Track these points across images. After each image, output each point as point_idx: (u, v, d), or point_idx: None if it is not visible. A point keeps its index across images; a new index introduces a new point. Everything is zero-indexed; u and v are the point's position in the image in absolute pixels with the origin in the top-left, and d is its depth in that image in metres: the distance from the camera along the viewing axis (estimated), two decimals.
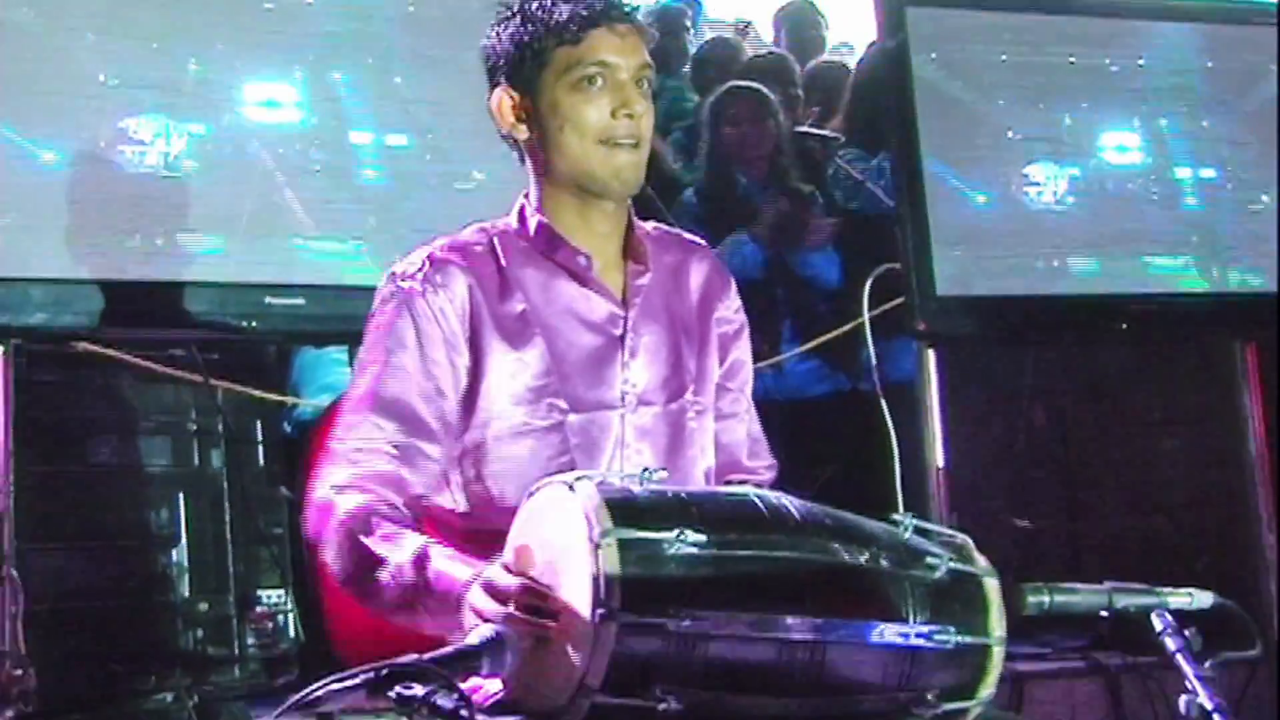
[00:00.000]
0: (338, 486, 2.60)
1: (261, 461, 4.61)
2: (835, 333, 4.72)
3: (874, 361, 4.27)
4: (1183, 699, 2.44)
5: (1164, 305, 4.40)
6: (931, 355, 4.18)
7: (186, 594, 4.42)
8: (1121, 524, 4.69)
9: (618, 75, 2.63)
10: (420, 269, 2.69)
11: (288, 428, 4.64)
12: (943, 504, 4.16)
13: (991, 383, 4.64)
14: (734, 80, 5.86)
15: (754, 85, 5.76)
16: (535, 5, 2.67)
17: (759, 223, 5.47)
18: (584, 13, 2.63)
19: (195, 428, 4.47)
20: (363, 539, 2.52)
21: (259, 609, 4.49)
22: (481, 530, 2.63)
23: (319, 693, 2.05)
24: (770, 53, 6.65)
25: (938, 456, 4.15)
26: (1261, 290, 4.56)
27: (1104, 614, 2.51)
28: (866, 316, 4.24)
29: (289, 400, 4.51)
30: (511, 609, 2.25)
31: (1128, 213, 4.56)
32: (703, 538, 2.23)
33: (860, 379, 4.75)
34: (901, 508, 3.90)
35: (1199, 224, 4.62)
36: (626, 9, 2.65)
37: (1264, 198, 4.62)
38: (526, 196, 2.76)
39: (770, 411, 5.01)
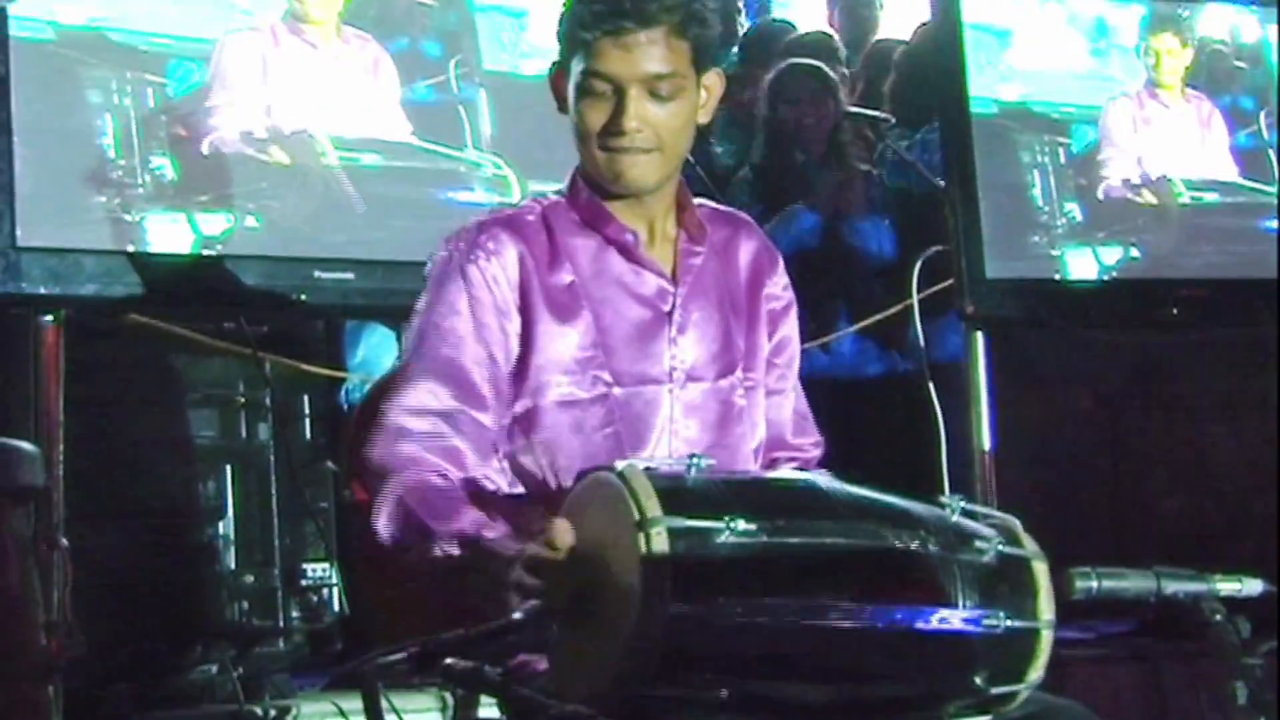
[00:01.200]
0: (393, 453, 2.62)
1: (308, 435, 4.63)
2: (883, 314, 4.72)
3: (921, 344, 4.26)
4: (1238, 686, 2.43)
5: (1214, 290, 4.38)
6: (979, 338, 4.16)
7: (232, 566, 4.44)
8: (1168, 509, 4.67)
9: (622, 85, 2.62)
10: (473, 237, 2.71)
11: (345, 404, 4.66)
12: (989, 487, 4.15)
13: (1040, 365, 4.63)
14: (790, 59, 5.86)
15: (814, 63, 5.76)
16: (567, 7, 2.68)
17: (815, 198, 5.48)
18: (591, 21, 2.62)
19: (243, 400, 4.49)
20: (415, 509, 2.54)
21: (304, 582, 4.51)
22: (528, 503, 2.66)
23: (365, 666, 2.05)
24: (818, 31, 6.64)
25: (984, 440, 4.14)
26: None
27: (1151, 599, 2.49)
28: (915, 299, 4.23)
29: (337, 374, 4.53)
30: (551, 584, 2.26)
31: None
32: (752, 526, 2.23)
33: (911, 360, 4.75)
34: (948, 490, 3.94)
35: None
36: (641, 15, 2.60)
37: None
38: (579, 170, 2.78)
39: (821, 391, 5.02)
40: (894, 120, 5.39)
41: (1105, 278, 4.35)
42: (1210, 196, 4.51)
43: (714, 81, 2.74)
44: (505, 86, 4.15)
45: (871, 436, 4.90)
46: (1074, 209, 4.29)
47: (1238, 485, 4.79)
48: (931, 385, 4.13)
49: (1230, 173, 4.54)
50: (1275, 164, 4.57)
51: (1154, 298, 4.33)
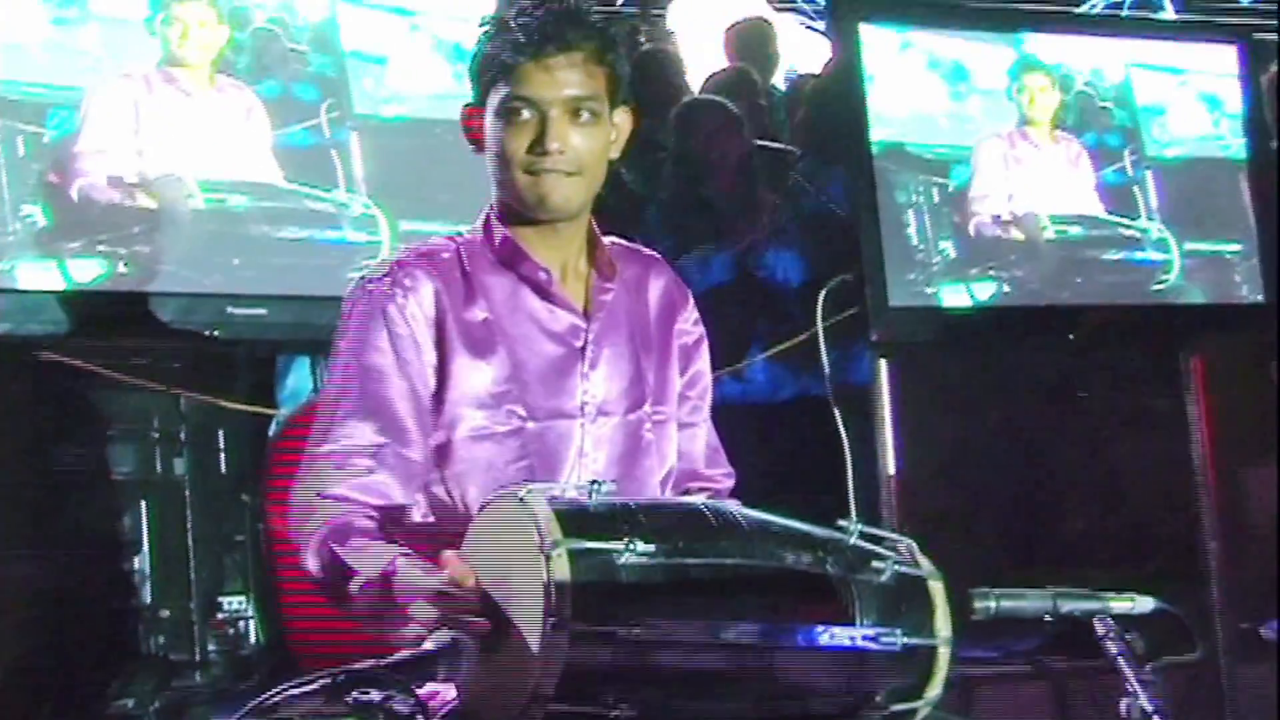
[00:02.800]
0: (318, 492, 2.65)
1: (224, 468, 4.63)
2: (790, 342, 4.78)
3: (827, 370, 4.33)
4: (1124, 702, 2.51)
5: (1112, 316, 4.46)
6: (883, 364, 4.23)
7: (149, 600, 4.43)
8: (1073, 529, 4.74)
9: (544, 108, 2.67)
10: (389, 274, 2.75)
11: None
12: (895, 510, 4.21)
13: (946, 389, 4.68)
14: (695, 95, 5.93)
15: (717, 99, 5.82)
16: (485, 31, 2.73)
17: (726, 232, 5.53)
18: (513, 47, 2.68)
19: (158, 435, 4.50)
20: (337, 549, 2.57)
21: (221, 615, 4.51)
22: (441, 535, 2.67)
23: (277, 698, 2.08)
24: (729, 69, 6.70)
25: (889, 463, 4.20)
26: (1204, 303, 4.64)
27: (1048, 619, 2.56)
28: (820, 326, 4.29)
29: (252, 409, 4.54)
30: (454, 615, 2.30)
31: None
32: (652, 547, 2.28)
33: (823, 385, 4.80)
34: (854, 514, 4.00)
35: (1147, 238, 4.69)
36: (563, 39, 2.67)
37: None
38: (492, 208, 2.82)
39: (736, 417, 5.09)
40: (800, 153, 5.45)
41: (1007, 304, 4.43)
42: (1075, 230, 4.61)
43: (624, 119, 2.79)
44: (375, 129, 4.18)
45: (785, 461, 4.95)
46: (948, 246, 4.36)
47: (1140, 504, 4.86)
48: (838, 410, 4.18)
49: (1096, 208, 4.64)
50: (1140, 199, 4.69)
51: (1054, 322, 4.40)
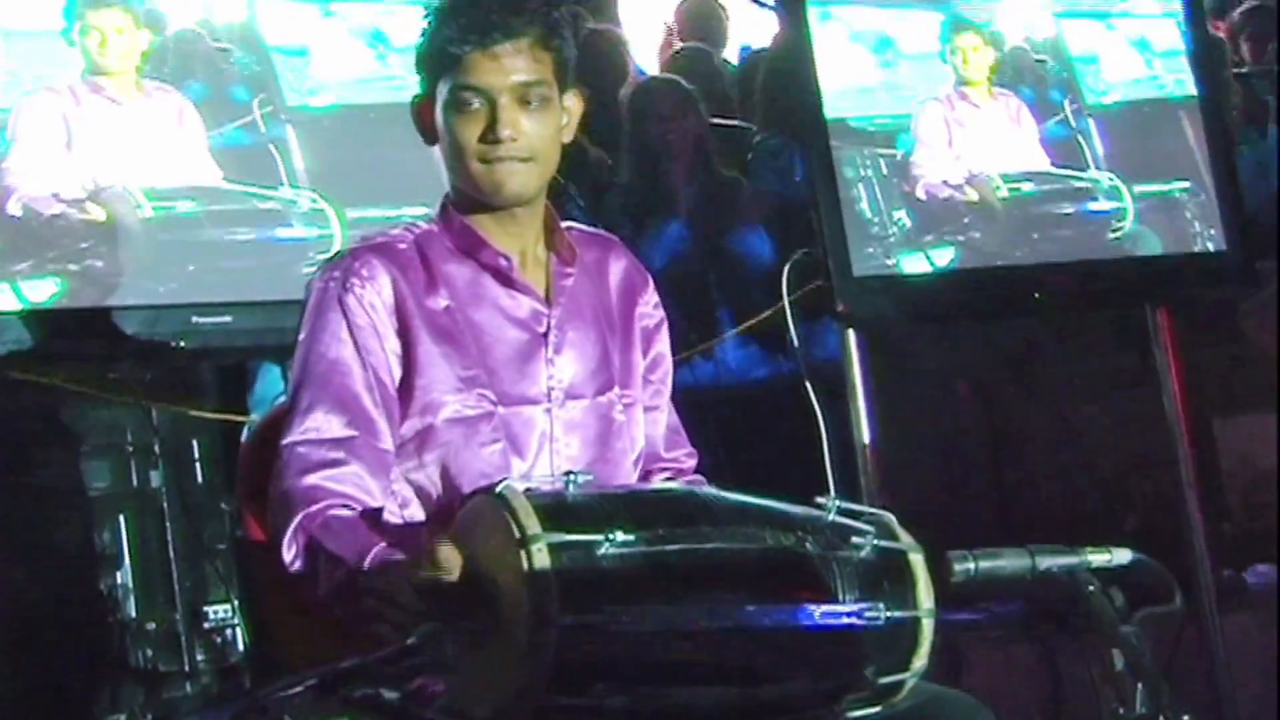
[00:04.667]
0: (295, 487, 2.65)
1: (200, 477, 4.64)
2: (758, 318, 4.79)
3: (796, 344, 4.33)
4: (1114, 652, 2.52)
5: (1074, 273, 4.47)
6: (852, 335, 4.23)
7: (134, 613, 4.44)
8: (1050, 491, 4.76)
9: (494, 96, 2.68)
10: (344, 265, 2.76)
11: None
12: (873, 481, 4.22)
13: (916, 358, 4.70)
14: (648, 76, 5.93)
15: (671, 78, 5.83)
16: (428, 23, 2.74)
17: (687, 212, 5.54)
18: (459, 37, 2.68)
19: (133, 448, 4.50)
20: (322, 541, 2.58)
21: (208, 624, 4.52)
22: (423, 521, 2.72)
23: (264, 700, 2.09)
24: (687, 48, 6.71)
25: (864, 433, 4.21)
26: (1166, 254, 4.65)
27: (1028, 577, 2.57)
28: (787, 301, 4.30)
29: (225, 417, 4.54)
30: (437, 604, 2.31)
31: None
32: (632, 536, 2.28)
33: (795, 361, 4.81)
34: (833, 488, 4.01)
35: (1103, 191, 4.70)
36: (507, 27, 2.67)
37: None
38: (448, 197, 2.83)
39: (710, 398, 5.14)
40: (756, 129, 5.46)
41: (970, 266, 4.43)
42: (1027, 187, 4.60)
43: (574, 103, 2.80)
44: (309, 121, 4.16)
45: (761, 439, 4.97)
46: (902, 216, 4.35)
47: (1115, 463, 4.88)
48: (810, 385, 4.19)
49: (1044, 163, 4.64)
50: (1085, 149, 4.69)
51: (1018, 284, 4.41)
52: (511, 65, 2.68)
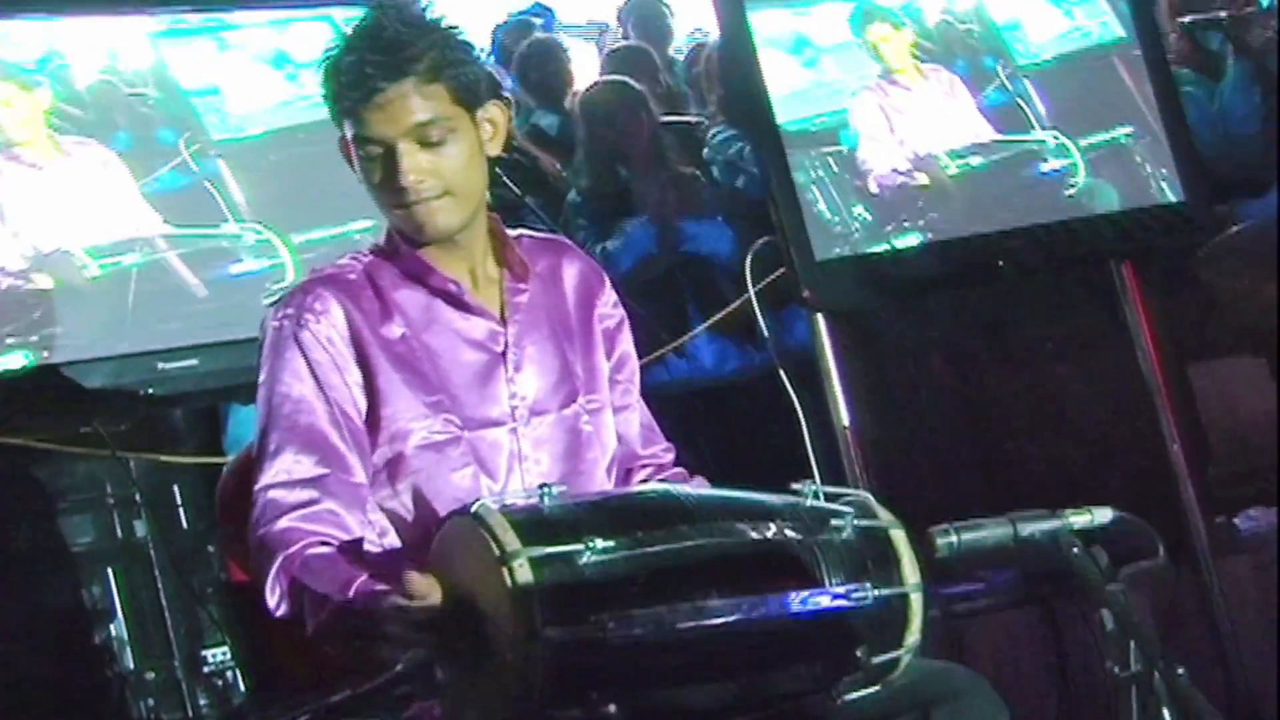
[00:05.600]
0: (271, 531, 2.64)
1: (185, 523, 4.63)
2: (727, 310, 4.79)
3: (766, 334, 4.34)
4: (1105, 613, 2.51)
5: (1036, 237, 4.47)
6: (821, 320, 4.23)
7: (132, 665, 4.42)
8: (1034, 456, 4.75)
9: (390, 143, 2.66)
10: (298, 301, 2.75)
11: None
12: (857, 463, 4.21)
13: (888, 336, 4.70)
14: (598, 78, 5.93)
15: (618, 80, 5.83)
16: (320, 75, 2.72)
17: (647, 212, 5.54)
18: (343, 93, 2.67)
19: (114, 500, 4.49)
20: (304, 581, 2.57)
21: (207, 669, 4.51)
22: (402, 549, 2.70)
23: None
24: (624, 47, 6.71)
25: (843, 416, 4.21)
26: (1126, 209, 4.65)
27: (1011, 545, 2.56)
28: (752, 291, 4.30)
29: (200, 461, 4.53)
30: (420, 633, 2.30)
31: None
32: (612, 542, 2.28)
33: (767, 352, 4.81)
34: (817, 473, 4.01)
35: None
36: (388, 75, 2.64)
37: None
38: (392, 226, 2.82)
39: (687, 396, 5.14)
40: (707, 121, 5.46)
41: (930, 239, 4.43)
42: (976, 160, 4.58)
43: (496, 113, 2.77)
44: (241, 153, 4.14)
45: (740, 432, 4.98)
46: (861, 211, 4.35)
47: (1095, 422, 4.88)
48: (784, 372, 4.19)
49: (987, 133, 4.63)
50: (1026, 111, 4.68)
51: (983, 254, 4.41)
52: (400, 110, 2.66)
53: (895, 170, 4.44)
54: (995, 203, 4.53)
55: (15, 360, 3.79)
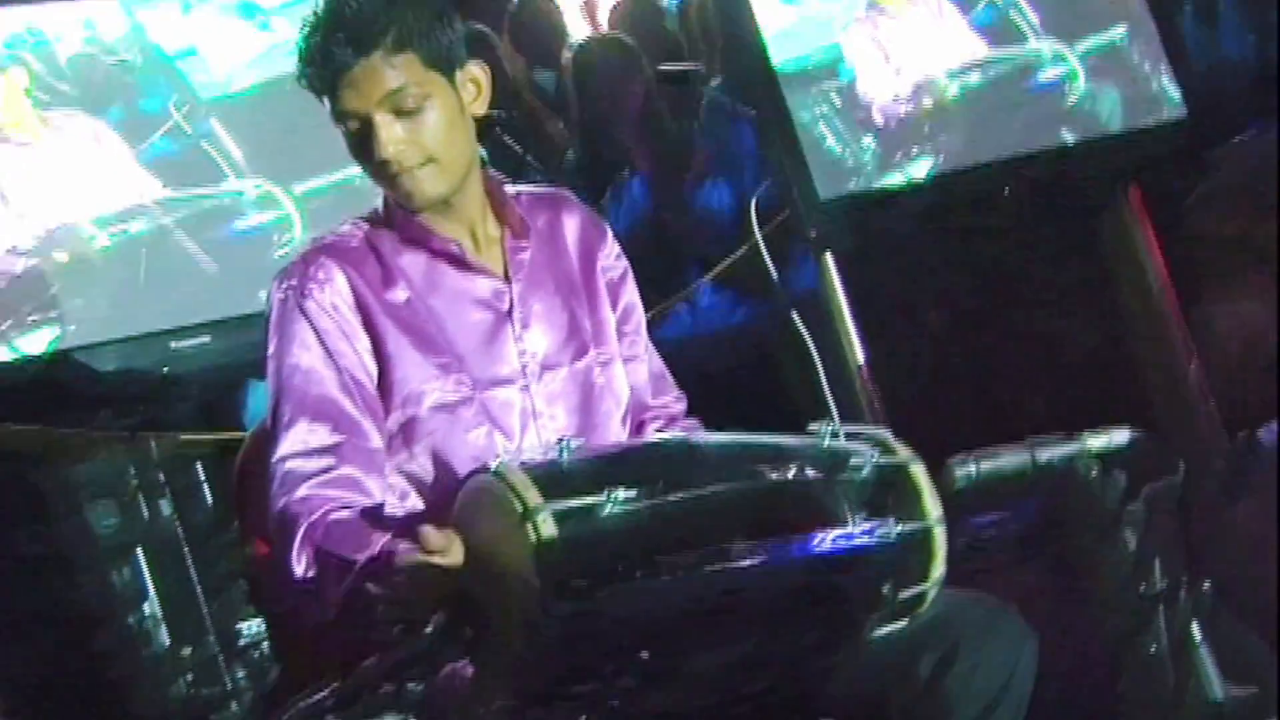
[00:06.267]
0: (292, 502, 2.65)
1: (210, 500, 4.63)
2: (733, 256, 4.78)
3: (775, 276, 4.34)
4: (1127, 534, 2.53)
5: (1039, 161, 4.46)
6: (829, 258, 4.22)
7: (168, 643, 4.44)
8: (1049, 382, 4.74)
9: (366, 117, 2.66)
10: (298, 272, 2.75)
11: None
12: (873, 399, 4.21)
13: (894, 271, 4.68)
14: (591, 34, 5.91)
15: (611, 36, 5.81)
16: (297, 58, 2.71)
17: (647, 166, 5.53)
18: (313, 71, 2.67)
19: (138, 482, 4.49)
20: (328, 547, 2.58)
21: (242, 642, 4.52)
22: (422, 511, 2.71)
23: (293, 717, 2.09)
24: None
25: (857, 355, 4.21)
26: (1128, 130, 4.63)
27: (1030, 472, 2.57)
28: (759, 235, 4.30)
29: (219, 437, 4.54)
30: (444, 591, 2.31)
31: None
32: (633, 493, 2.28)
33: (773, 298, 4.80)
34: (835, 414, 4.01)
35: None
36: (354, 48, 2.64)
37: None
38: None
39: (694, 347, 5.13)
40: (703, 70, 5.44)
41: (933, 174, 4.42)
42: (974, 79, 4.56)
43: (477, 73, 2.77)
44: (231, 110, 4.15)
45: (751, 379, 4.98)
46: (869, 143, 4.34)
47: (1109, 346, 4.86)
48: (796, 314, 4.19)
49: (981, 50, 4.61)
50: (1019, 22, 4.64)
51: (987, 183, 4.40)
52: (370, 84, 2.65)
53: (897, 99, 4.43)
54: (999, 119, 4.51)
55: (44, 337, 3.81)
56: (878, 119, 4.38)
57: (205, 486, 4.61)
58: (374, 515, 2.65)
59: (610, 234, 2.98)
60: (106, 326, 3.93)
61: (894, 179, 4.35)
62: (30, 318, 3.82)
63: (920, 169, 4.37)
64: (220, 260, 4.01)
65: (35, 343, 3.83)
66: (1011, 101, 4.55)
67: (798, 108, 4.23)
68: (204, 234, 4.03)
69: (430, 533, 2.34)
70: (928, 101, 4.46)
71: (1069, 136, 4.56)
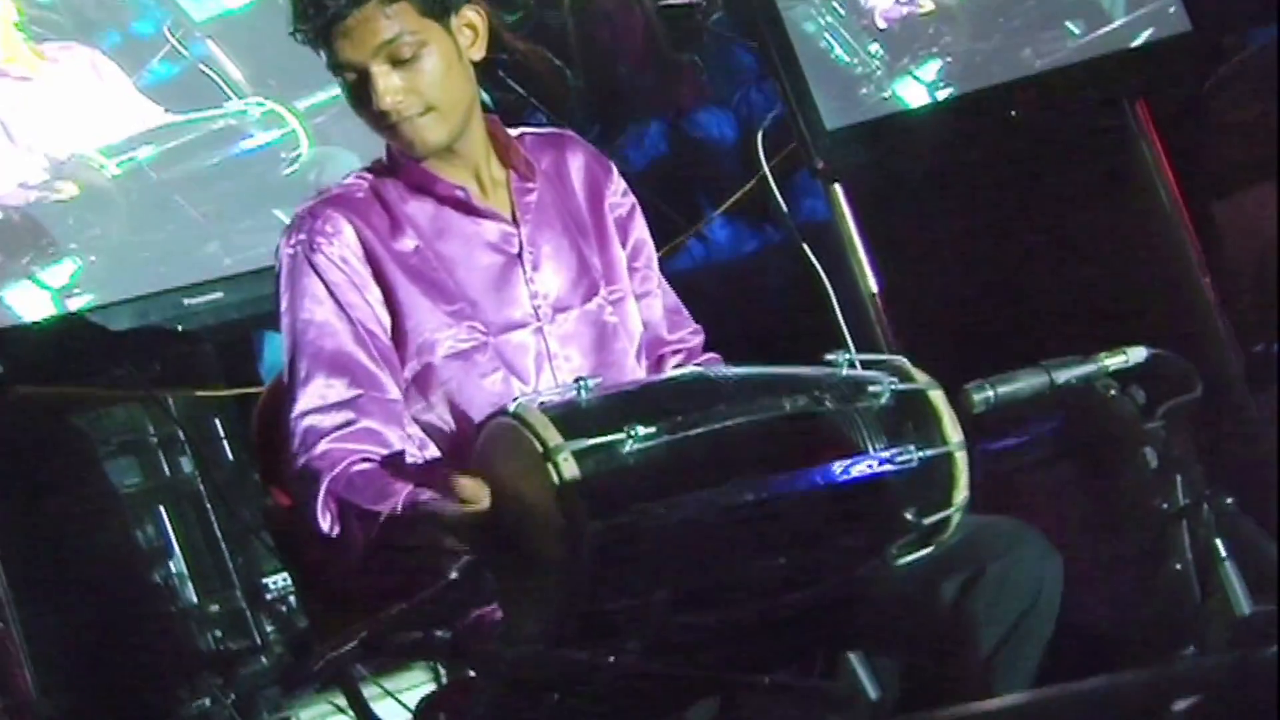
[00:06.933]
0: (312, 456, 2.67)
1: (230, 455, 4.65)
2: (742, 191, 4.77)
3: (785, 209, 4.33)
4: (1147, 451, 2.51)
5: (1045, 81, 4.43)
6: (838, 189, 4.20)
7: (195, 600, 4.46)
8: (1062, 305, 4.72)
9: (362, 67, 2.66)
10: (308, 225, 2.75)
11: None
12: (888, 327, 4.20)
13: (904, 198, 4.66)
14: None
15: None
16: (290, 12, 2.71)
17: (652, 104, 5.51)
18: (308, 25, 2.67)
19: (157, 440, 4.50)
20: (350, 498, 2.61)
21: (269, 596, 4.54)
22: (440, 460, 2.72)
23: (319, 665, 2.10)
24: None
25: (870, 282, 4.19)
26: (1133, 46, 4.60)
27: (1047, 393, 2.56)
28: (766, 168, 4.29)
29: (236, 392, 4.55)
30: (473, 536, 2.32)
31: None
32: (653, 429, 2.29)
33: (783, 229, 4.79)
34: (850, 342, 4.00)
35: None
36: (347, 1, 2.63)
37: None
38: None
39: (707, 279, 5.12)
40: (705, 2, 5.41)
41: (938, 97, 4.39)
42: None
43: (473, 18, 2.76)
44: (227, 30, 4.13)
45: (765, 310, 4.96)
46: (876, 48, 4.31)
47: (1122, 266, 4.83)
48: (807, 245, 4.18)
49: None
50: None
51: (993, 105, 4.37)
52: (365, 33, 2.65)
53: (897, 1, 4.39)
54: (1002, 16, 4.46)
55: (66, 269, 3.82)
56: (880, 23, 4.34)
57: (225, 442, 4.63)
58: (395, 465, 2.66)
59: (615, 171, 2.98)
60: (125, 252, 3.92)
61: (903, 83, 4.30)
62: (50, 250, 3.81)
63: (929, 72, 4.34)
64: (231, 179, 3.99)
65: (58, 275, 3.83)
66: None
67: (802, 19, 4.20)
68: (212, 156, 4.01)
69: (464, 481, 2.34)
70: (928, 3, 4.42)
71: (1074, 28, 4.51)
